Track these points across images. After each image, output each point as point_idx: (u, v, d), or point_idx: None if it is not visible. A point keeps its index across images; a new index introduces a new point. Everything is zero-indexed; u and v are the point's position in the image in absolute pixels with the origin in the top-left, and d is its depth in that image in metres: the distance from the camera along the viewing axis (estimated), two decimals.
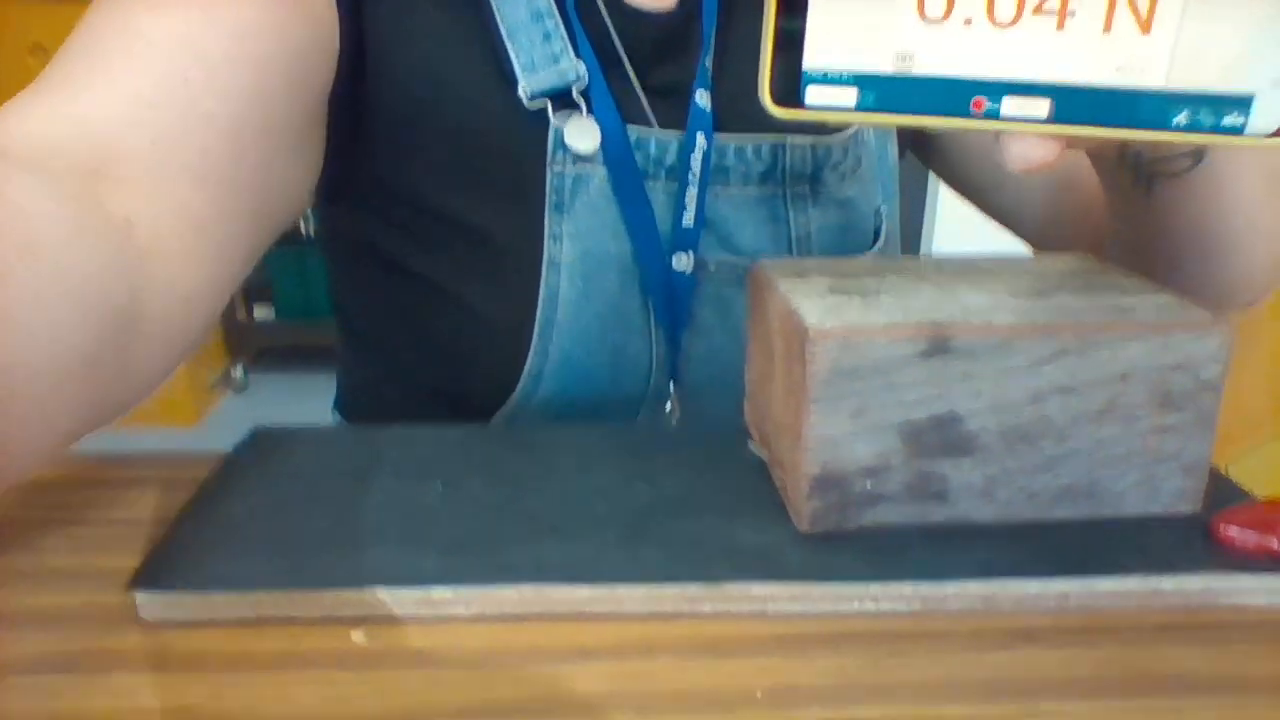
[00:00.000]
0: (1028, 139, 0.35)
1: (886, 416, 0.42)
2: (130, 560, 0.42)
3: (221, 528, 0.44)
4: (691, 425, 0.63)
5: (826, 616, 0.40)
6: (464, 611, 0.40)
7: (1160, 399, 0.43)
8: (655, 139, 0.59)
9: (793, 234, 0.62)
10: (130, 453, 0.54)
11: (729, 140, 0.60)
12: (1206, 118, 0.34)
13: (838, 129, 0.62)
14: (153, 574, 0.41)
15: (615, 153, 0.58)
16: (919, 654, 0.38)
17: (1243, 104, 0.34)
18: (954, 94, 0.35)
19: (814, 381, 0.41)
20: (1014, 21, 0.34)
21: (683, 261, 0.60)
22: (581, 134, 0.57)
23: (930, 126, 0.36)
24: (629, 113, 0.59)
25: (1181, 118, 0.34)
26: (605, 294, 0.60)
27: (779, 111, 0.35)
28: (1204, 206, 0.52)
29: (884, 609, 0.41)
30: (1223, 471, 0.47)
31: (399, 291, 0.63)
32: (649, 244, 0.59)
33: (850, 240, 0.64)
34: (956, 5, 0.34)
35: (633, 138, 0.59)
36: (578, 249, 0.59)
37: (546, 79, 0.56)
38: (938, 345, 0.41)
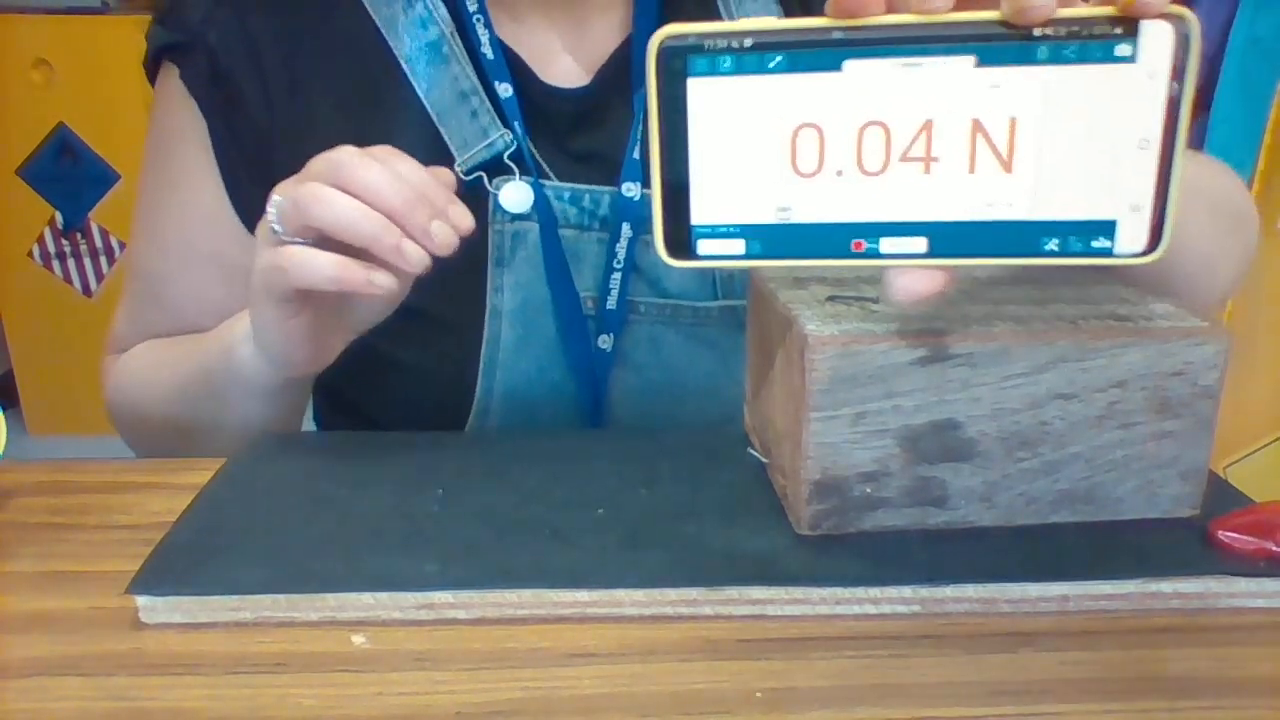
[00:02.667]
0: (911, 272, 0.37)
1: (886, 423, 0.42)
2: (131, 564, 0.42)
3: (222, 532, 0.44)
4: None
5: (826, 619, 0.40)
6: (464, 615, 0.40)
7: (1158, 405, 0.43)
8: (589, 193, 0.64)
9: (717, 276, 0.66)
10: (131, 458, 0.54)
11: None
12: (1075, 242, 0.36)
13: None
14: (153, 577, 0.41)
15: (545, 211, 0.64)
16: (919, 656, 0.38)
17: (1107, 228, 0.36)
18: (835, 237, 0.37)
19: (814, 389, 0.41)
20: (883, 170, 0.36)
21: (605, 341, 0.65)
22: (515, 197, 0.63)
23: (818, 268, 0.38)
24: (559, 171, 0.65)
25: (1052, 244, 0.37)
26: (544, 338, 0.65)
27: (674, 262, 0.38)
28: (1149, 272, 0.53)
29: (884, 612, 0.41)
30: (1221, 475, 0.47)
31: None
32: (573, 323, 0.65)
33: None
34: (827, 159, 0.36)
35: (566, 194, 0.64)
36: (518, 298, 0.64)
37: (478, 154, 0.62)
38: (936, 353, 0.41)
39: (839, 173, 0.36)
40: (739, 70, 0.35)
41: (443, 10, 0.63)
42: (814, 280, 0.49)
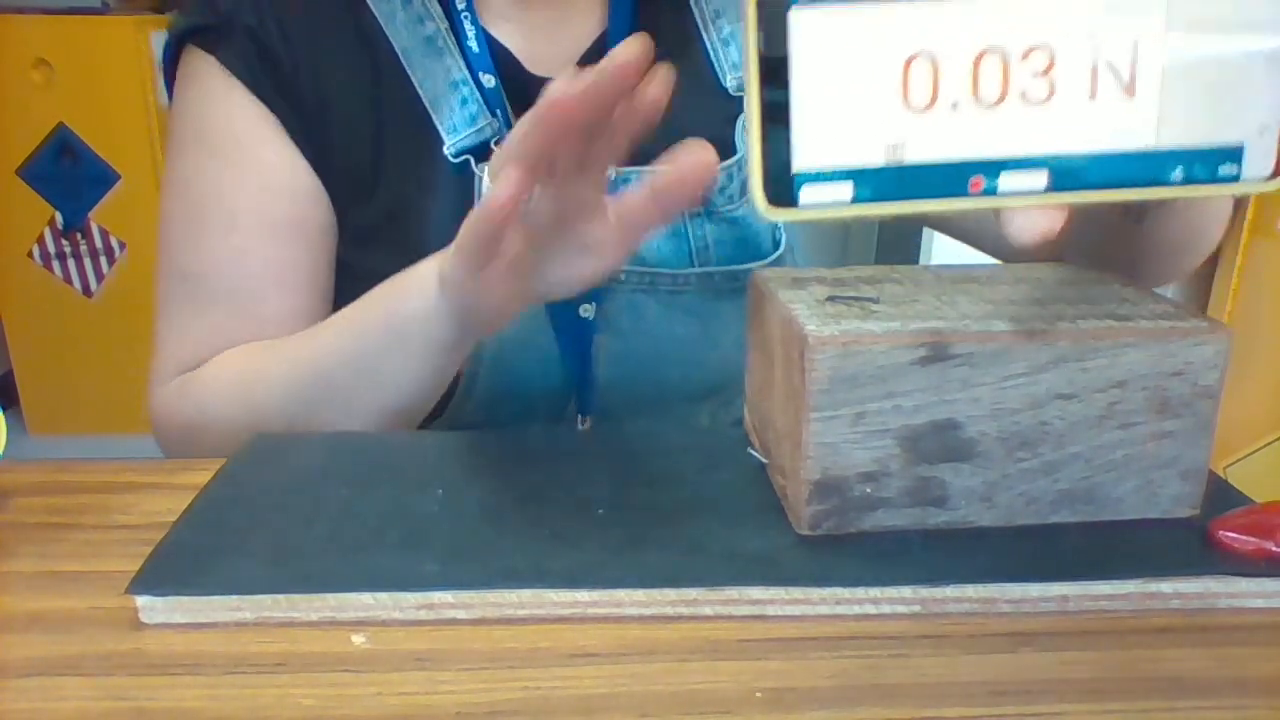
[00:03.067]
0: (1030, 212, 0.35)
1: (886, 423, 0.42)
2: (131, 564, 0.42)
3: (222, 532, 0.44)
4: (608, 422, 0.71)
5: (826, 619, 0.40)
6: (464, 615, 0.40)
7: (1159, 405, 0.43)
8: None
9: (692, 246, 0.69)
10: (131, 458, 0.54)
11: (631, 171, 0.64)
12: (1201, 170, 0.35)
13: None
14: (153, 577, 0.41)
15: None
16: (919, 656, 0.38)
17: (1234, 154, 0.35)
18: (950, 177, 0.34)
19: (814, 389, 0.41)
20: (1000, 100, 0.34)
21: (587, 310, 0.68)
22: None
23: (931, 211, 0.35)
24: None
25: (1177, 173, 0.35)
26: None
27: (774, 214, 0.34)
28: (1186, 222, 0.56)
29: (884, 612, 0.41)
30: (1221, 475, 0.47)
31: (361, 292, 0.67)
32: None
33: (746, 250, 0.72)
34: (941, 90, 0.34)
35: None
36: None
37: (467, 139, 0.66)
38: (937, 352, 0.41)
39: (954, 105, 0.34)
40: None
41: (436, 7, 0.66)
42: (814, 280, 0.49)
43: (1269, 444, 1.68)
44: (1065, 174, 0.34)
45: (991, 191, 0.35)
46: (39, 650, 0.38)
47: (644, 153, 0.65)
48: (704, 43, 0.71)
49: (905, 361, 0.41)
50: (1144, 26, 0.33)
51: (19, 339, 2.43)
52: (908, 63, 0.33)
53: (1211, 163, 0.35)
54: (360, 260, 0.66)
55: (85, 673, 0.37)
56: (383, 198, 0.67)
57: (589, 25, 0.69)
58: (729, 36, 0.70)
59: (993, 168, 0.34)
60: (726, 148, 0.69)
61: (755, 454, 0.51)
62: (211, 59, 0.64)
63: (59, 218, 2.34)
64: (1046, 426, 0.43)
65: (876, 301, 0.45)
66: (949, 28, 0.33)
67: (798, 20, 0.33)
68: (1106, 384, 0.42)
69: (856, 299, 0.46)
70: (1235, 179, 0.35)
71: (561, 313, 0.67)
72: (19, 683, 0.37)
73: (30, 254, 2.37)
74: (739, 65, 0.68)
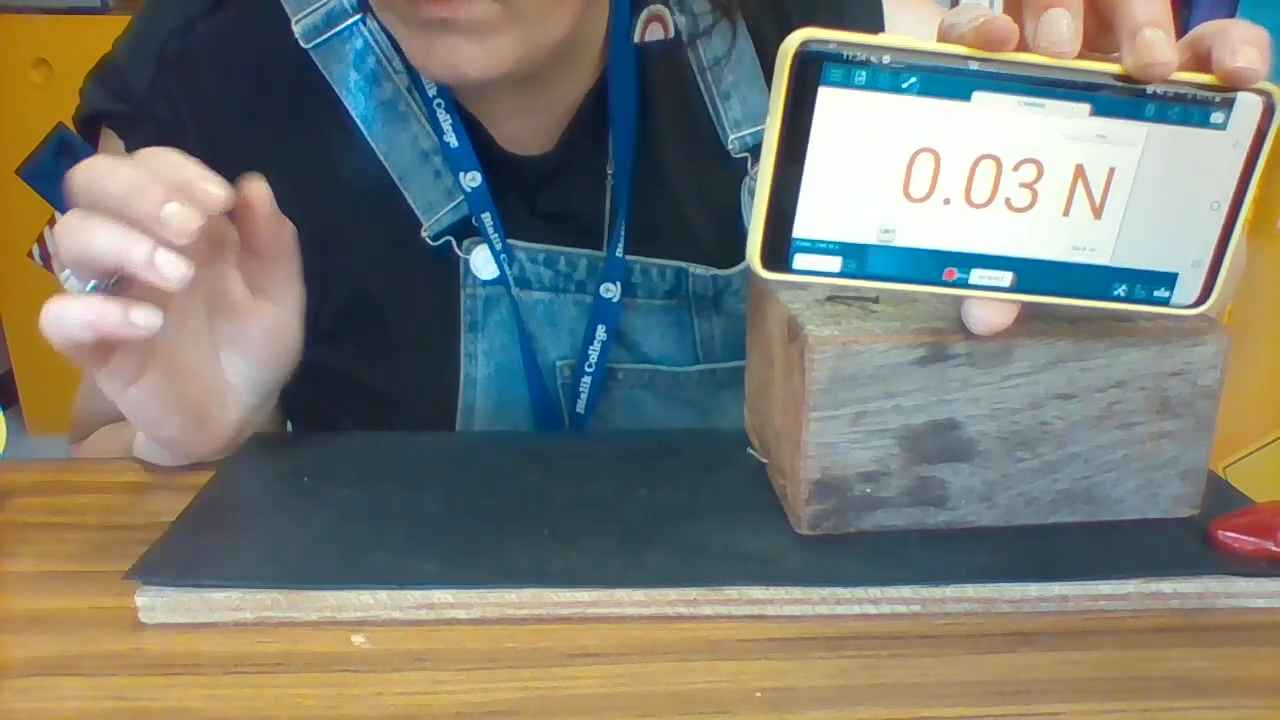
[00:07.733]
0: (991, 304, 0.39)
1: (885, 423, 0.42)
2: (131, 564, 0.42)
3: (221, 531, 0.44)
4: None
5: (826, 619, 0.40)
6: (464, 615, 0.40)
7: (1158, 405, 0.43)
8: (564, 256, 0.62)
9: (697, 338, 0.65)
10: (130, 458, 0.54)
11: (636, 260, 0.62)
12: (1140, 291, 0.39)
13: (738, 262, 0.64)
14: (153, 576, 0.41)
15: (520, 274, 0.61)
16: (918, 656, 0.38)
17: (1169, 280, 0.39)
18: (930, 264, 0.37)
19: (813, 388, 0.41)
20: (987, 203, 0.37)
21: (581, 406, 0.64)
22: (486, 262, 0.61)
23: (905, 292, 0.38)
24: (530, 232, 0.61)
25: (1120, 290, 0.39)
26: (518, 404, 0.63)
27: (767, 274, 0.37)
28: None
29: (883, 611, 0.41)
30: (1221, 476, 0.48)
31: (329, 390, 0.63)
32: (546, 396, 0.63)
33: None
34: (938, 186, 0.36)
35: (540, 256, 0.61)
36: (491, 365, 0.62)
37: (446, 217, 0.60)
38: (936, 352, 0.41)
39: (946, 201, 0.36)
40: (871, 85, 0.34)
41: (398, 62, 0.59)
42: None
43: (1269, 444, 1.67)
44: (1028, 277, 0.38)
45: (962, 283, 0.38)
46: (39, 650, 0.38)
47: (655, 233, 0.61)
48: (705, 102, 0.63)
49: (905, 361, 0.41)
50: (1122, 158, 0.37)
51: (19, 339, 2.43)
52: (914, 155, 0.36)
53: (1150, 285, 0.39)
54: (320, 359, 0.58)
55: (85, 673, 0.37)
56: (339, 295, 0.61)
57: (576, 88, 0.61)
58: (730, 89, 0.63)
59: (968, 261, 0.38)
60: (731, 214, 0.63)
61: (755, 454, 0.51)
62: (120, 143, 0.59)
63: (59, 217, 2.34)
64: (1046, 426, 0.43)
65: (876, 301, 0.45)
66: (958, 129, 0.35)
67: (826, 98, 0.34)
68: (1106, 384, 0.42)
69: (856, 299, 0.46)
70: (1166, 302, 0.39)
71: (549, 420, 0.63)
72: (19, 683, 0.37)
73: (30, 254, 2.37)
74: (740, 123, 0.62)
